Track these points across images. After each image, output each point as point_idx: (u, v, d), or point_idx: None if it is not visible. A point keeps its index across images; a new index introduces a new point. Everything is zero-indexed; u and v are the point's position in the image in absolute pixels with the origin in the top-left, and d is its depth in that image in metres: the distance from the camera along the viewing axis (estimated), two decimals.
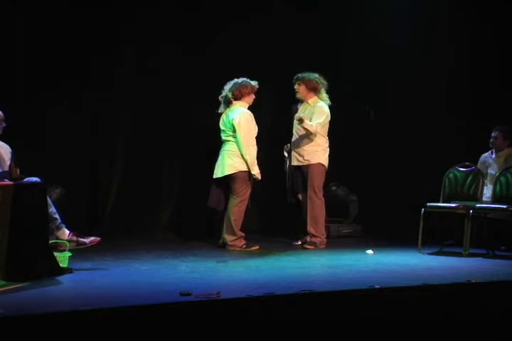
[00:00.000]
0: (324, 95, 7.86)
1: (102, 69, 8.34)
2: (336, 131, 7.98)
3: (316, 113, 7.76)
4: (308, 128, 7.68)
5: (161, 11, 8.53)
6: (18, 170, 5.92)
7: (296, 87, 7.86)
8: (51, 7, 8.02)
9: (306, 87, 7.82)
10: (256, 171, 7.53)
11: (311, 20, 9.00)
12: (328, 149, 7.84)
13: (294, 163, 7.90)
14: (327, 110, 7.78)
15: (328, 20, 9.04)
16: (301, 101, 7.92)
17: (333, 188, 9.00)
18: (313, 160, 7.78)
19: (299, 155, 7.83)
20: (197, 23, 8.60)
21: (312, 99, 7.84)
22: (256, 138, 7.67)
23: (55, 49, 8.10)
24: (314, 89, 7.84)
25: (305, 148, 7.79)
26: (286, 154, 8.03)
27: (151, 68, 8.54)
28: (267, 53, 8.80)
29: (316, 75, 7.83)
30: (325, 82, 7.85)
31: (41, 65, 8.05)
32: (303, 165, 7.83)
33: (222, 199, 7.71)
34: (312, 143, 7.77)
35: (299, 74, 7.86)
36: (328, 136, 7.84)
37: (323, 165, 7.80)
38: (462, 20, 8.77)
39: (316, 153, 7.77)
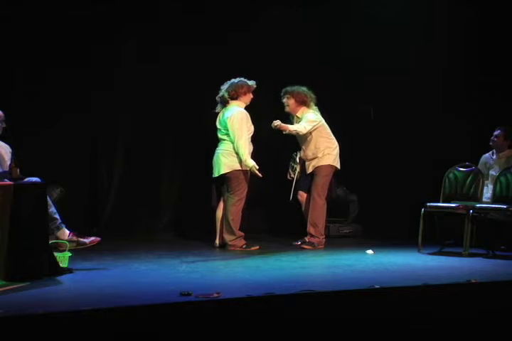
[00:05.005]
0: (314, 108, 7.82)
1: (102, 69, 8.35)
2: (336, 131, 7.96)
3: (302, 121, 7.72)
4: (291, 130, 7.62)
5: (161, 11, 8.54)
6: (18, 170, 5.91)
7: (285, 100, 7.81)
8: (51, 7, 8.03)
9: (295, 100, 7.77)
10: (251, 163, 7.40)
11: (310, 19, 9.01)
12: (337, 149, 7.83)
13: (309, 170, 7.83)
14: (314, 117, 7.71)
15: (327, 20, 9.03)
16: (290, 115, 7.88)
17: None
18: (322, 162, 7.78)
19: (311, 162, 7.81)
20: (197, 23, 8.60)
21: (300, 112, 7.81)
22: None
23: (55, 48, 8.12)
24: (303, 103, 7.78)
25: (314, 154, 7.77)
26: (297, 161, 7.92)
27: (151, 68, 8.55)
28: (268, 52, 8.79)
29: (305, 88, 7.78)
30: (313, 96, 7.80)
31: (41, 64, 8.06)
32: (314, 169, 7.82)
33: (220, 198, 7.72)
34: (319, 148, 7.76)
35: (288, 88, 7.80)
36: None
37: (331, 166, 7.79)
38: (459, 17, 8.76)
39: (326, 155, 7.77)
